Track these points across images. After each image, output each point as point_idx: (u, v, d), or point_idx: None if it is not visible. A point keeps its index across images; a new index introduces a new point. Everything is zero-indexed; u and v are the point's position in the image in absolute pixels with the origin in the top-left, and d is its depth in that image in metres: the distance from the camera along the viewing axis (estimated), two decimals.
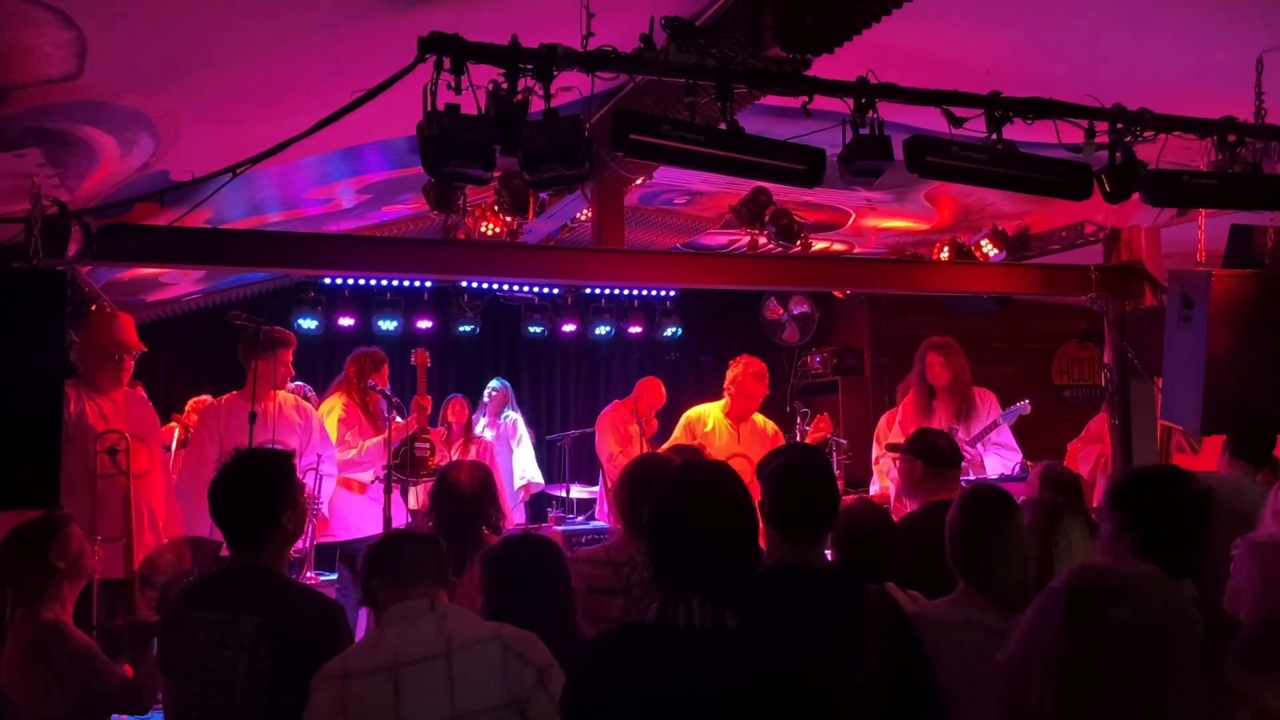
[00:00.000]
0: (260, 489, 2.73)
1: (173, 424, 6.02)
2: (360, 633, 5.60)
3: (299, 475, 4.90)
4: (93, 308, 4.81)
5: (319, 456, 5.30)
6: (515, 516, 6.81)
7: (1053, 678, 1.36)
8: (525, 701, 2.27)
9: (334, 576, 5.72)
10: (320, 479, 5.25)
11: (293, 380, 5.72)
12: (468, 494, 3.59)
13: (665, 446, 5.90)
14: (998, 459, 5.90)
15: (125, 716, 3.23)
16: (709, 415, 6.14)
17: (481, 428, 7.16)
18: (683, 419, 6.22)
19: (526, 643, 2.34)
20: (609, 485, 6.16)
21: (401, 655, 2.28)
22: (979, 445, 5.87)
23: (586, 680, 1.96)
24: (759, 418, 6.24)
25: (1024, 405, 6.04)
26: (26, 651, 2.99)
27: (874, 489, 6.16)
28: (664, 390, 6.90)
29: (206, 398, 6.56)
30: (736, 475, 2.05)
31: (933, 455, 3.99)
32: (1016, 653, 1.44)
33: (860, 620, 2.37)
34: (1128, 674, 1.33)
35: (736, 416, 6.11)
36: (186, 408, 6.46)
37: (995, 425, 5.92)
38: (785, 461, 2.71)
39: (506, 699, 2.26)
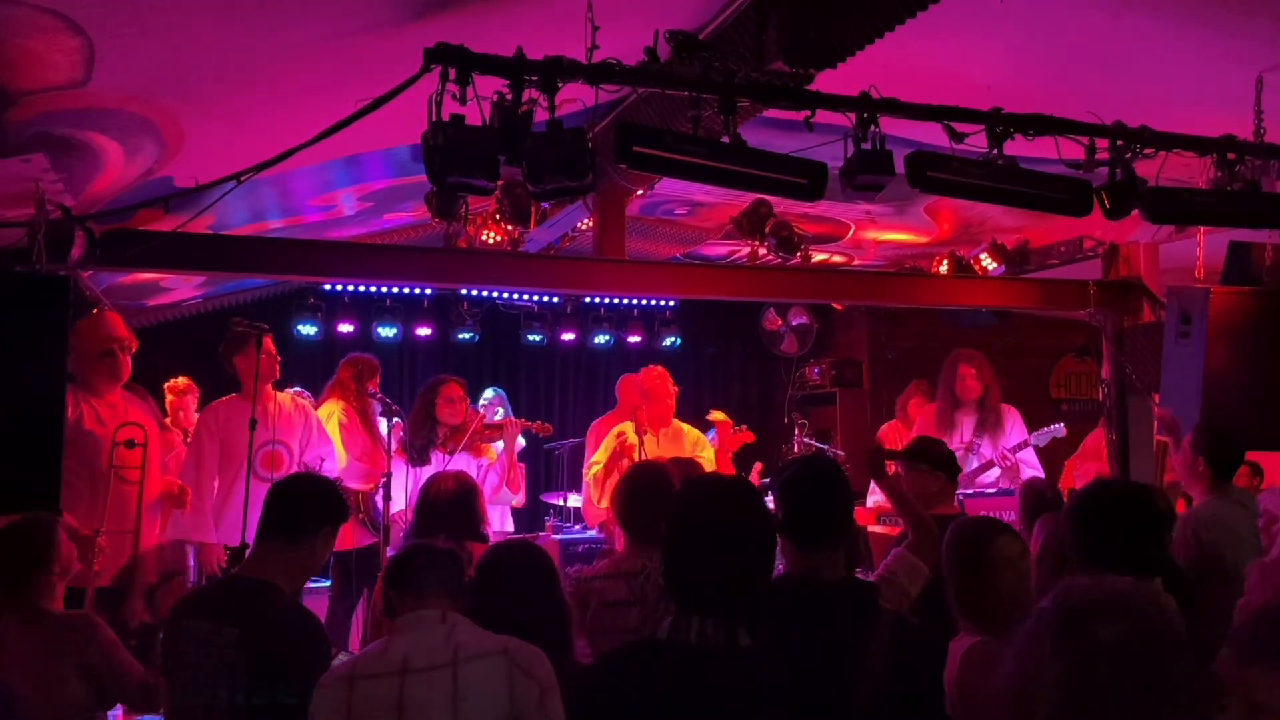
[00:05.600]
0: (319, 493, 2.90)
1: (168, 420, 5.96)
2: (355, 637, 5.64)
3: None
4: (94, 311, 4.81)
5: (320, 459, 5.28)
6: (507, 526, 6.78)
7: (1053, 698, 1.38)
8: (524, 718, 2.26)
9: (327, 584, 5.71)
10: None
11: (279, 382, 5.64)
12: (444, 504, 3.58)
13: (593, 460, 6.06)
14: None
15: (136, 716, 3.31)
16: (627, 428, 6.11)
17: None
18: (609, 435, 6.18)
19: (534, 659, 2.33)
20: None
21: (409, 662, 2.29)
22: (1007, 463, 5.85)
23: (594, 698, 1.93)
24: (683, 425, 6.21)
25: (1059, 428, 5.98)
26: (50, 643, 3.03)
27: (871, 501, 6.15)
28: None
29: (184, 380, 6.35)
30: (753, 489, 2.03)
31: (950, 465, 3.93)
32: (1015, 674, 1.46)
33: (869, 634, 2.33)
34: (1122, 686, 1.36)
35: (656, 423, 6.11)
36: (166, 391, 6.24)
37: (1025, 445, 5.86)
38: (796, 470, 2.67)
39: (509, 713, 2.25)
